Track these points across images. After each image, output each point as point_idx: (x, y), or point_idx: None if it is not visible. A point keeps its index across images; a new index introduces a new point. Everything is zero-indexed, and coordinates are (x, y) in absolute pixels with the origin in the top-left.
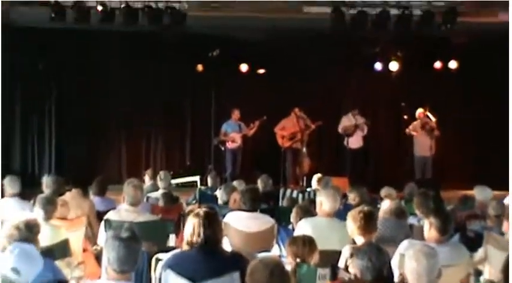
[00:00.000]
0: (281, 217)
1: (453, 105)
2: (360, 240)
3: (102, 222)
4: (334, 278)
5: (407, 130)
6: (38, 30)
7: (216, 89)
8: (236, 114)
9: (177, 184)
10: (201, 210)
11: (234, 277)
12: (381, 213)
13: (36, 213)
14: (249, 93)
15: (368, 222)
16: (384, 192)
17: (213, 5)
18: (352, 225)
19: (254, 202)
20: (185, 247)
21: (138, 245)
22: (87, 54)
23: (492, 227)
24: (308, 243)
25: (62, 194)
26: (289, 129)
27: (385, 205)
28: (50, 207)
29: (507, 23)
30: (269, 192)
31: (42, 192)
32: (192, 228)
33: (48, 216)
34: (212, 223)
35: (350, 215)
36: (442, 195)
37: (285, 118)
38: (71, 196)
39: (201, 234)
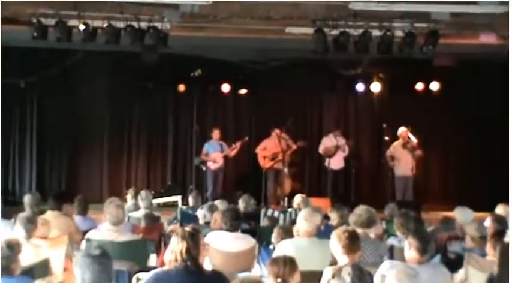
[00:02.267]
0: (262, 237)
1: (435, 126)
2: (344, 260)
3: (83, 241)
4: None
5: (388, 152)
6: (20, 48)
7: (197, 109)
8: (216, 133)
9: (159, 204)
10: (183, 230)
11: None
12: None
13: (17, 232)
14: (230, 114)
15: (353, 241)
16: None
17: (195, 25)
18: (336, 244)
19: (235, 223)
20: (167, 266)
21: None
22: (69, 73)
23: (473, 248)
24: (289, 263)
25: (42, 213)
26: (270, 149)
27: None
28: (30, 226)
29: (488, 45)
30: (250, 212)
31: (23, 210)
32: (173, 247)
33: (29, 235)
34: (194, 243)
35: (335, 234)
36: (423, 217)
37: (266, 138)
38: (52, 215)
39: (183, 254)
